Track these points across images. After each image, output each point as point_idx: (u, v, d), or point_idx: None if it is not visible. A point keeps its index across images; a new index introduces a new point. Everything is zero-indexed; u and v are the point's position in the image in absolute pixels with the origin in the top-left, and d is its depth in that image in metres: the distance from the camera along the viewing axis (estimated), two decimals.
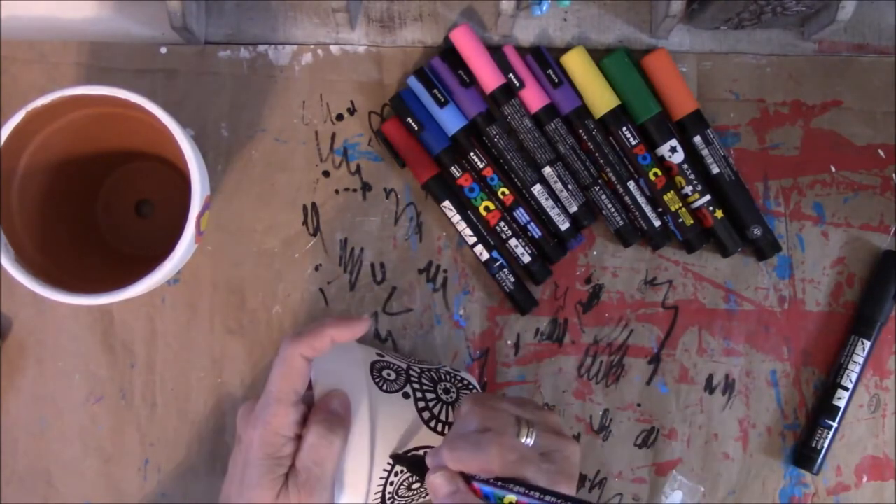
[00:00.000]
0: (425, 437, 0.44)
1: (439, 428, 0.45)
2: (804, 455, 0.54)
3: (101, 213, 0.54)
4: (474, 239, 0.53)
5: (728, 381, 0.55)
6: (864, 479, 0.55)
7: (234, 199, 0.55)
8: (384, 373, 0.45)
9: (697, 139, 0.54)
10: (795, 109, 0.56)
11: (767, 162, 0.56)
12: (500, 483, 0.37)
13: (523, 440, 0.39)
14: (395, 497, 0.45)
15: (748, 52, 0.56)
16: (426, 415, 0.44)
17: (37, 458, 0.54)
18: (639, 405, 0.55)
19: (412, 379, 0.46)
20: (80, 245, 0.52)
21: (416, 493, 0.45)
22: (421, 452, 0.44)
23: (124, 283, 0.45)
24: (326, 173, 0.55)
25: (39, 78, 0.54)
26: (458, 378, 0.48)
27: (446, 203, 0.53)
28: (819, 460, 0.54)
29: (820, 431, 0.54)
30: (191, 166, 0.45)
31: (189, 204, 0.45)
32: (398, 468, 0.43)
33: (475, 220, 0.54)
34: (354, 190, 0.55)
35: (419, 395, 0.45)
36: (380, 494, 0.43)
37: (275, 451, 0.41)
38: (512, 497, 0.37)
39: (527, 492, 0.36)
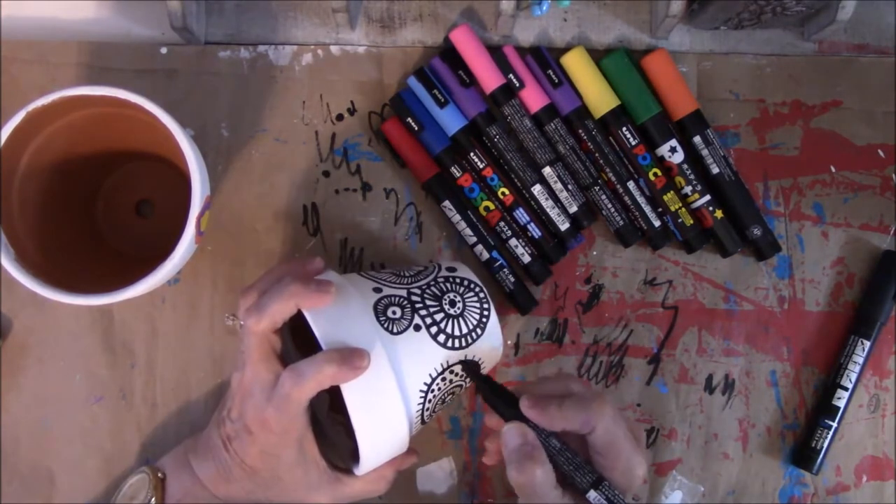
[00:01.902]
0: (444, 356, 0.45)
1: (455, 344, 0.45)
2: (804, 455, 0.54)
3: (101, 213, 0.54)
4: (474, 239, 0.53)
5: (728, 381, 0.55)
6: (864, 479, 0.55)
7: (234, 199, 0.55)
8: (389, 312, 0.45)
9: (697, 139, 0.54)
10: (795, 109, 0.56)
11: (767, 162, 0.56)
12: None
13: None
14: (432, 413, 0.46)
15: (748, 52, 0.56)
16: (441, 338, 0.45)
17: (38, 458, 0.54)
18: (639, 405, 0.55)
19: (416, 306, 0.46)
20: (80, 245, 0.52)
21: (446, 403, 0.47)
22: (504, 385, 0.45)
23: (124, 283, 0.45)
24: (326, 173, 0.55)
25: (39, 78, 0.54)
26: (458, 281, 0.48)
27: (446, 203, 0.53)
28: (819, 460, 0.54)
29: (820, 431, 0.54)
30: (191, 166, 0.46)
31: (189, 204, 0.46)
32: (430, 395, 0.45)
33: (475, 220, 0.54)
34: (354, 190, 0.55)
35: (428, 321, 0.45)
36: (418, 420, 0.45)
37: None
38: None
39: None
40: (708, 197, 0.54)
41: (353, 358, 0.42)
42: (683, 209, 0.54)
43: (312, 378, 0.41)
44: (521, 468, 0.41)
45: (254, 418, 0.44)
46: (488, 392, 0.44)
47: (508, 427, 0.43)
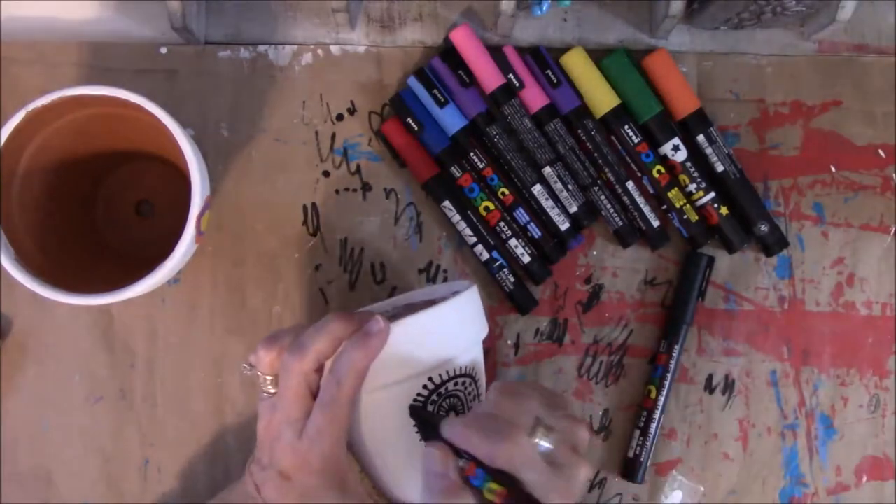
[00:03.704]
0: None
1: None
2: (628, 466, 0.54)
3: (101, 213, 0.54)
4: (474, 239, 0.53)
5: (728, 381, 0.55)
6: (864, 479, 0.55)
7: (234, 199, 0.55)
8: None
9: (701, 138, 0.54)
10: (795, 109, 0.56)
11: (767, 162, 0.56)
12: (492, 474, 0.38)
13: (536, 440, 0.39)
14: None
15: (748, 52, 0.56)
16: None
17: (37, 458, 0.54)
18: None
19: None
20: (80, 245, 0.52)
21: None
22: (440, 413, 0.43)
23: (124, 283, 0.45)
24: (326, 173, 0.55)
25: (39, 78, 0.54)
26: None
27: (446, 203, 0.53)
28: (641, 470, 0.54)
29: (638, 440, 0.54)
30: (191, 166, 0.46)
31: (189, 204, 0.45)
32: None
33: (475, 220, 0.54)
34: (354, 190, 0.55)
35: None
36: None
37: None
38: (495, 486, 0.37)
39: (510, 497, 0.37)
40: (713, 194, 0.54)
41: (367, 322, 0.40)
42: (688, 205, 0.54)
43: (317, 343, 0.40)
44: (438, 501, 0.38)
45: (290, 461, 0.41)
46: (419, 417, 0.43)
47: (432, 449, 0.39)
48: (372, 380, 0.42)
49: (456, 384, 0.44)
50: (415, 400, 0.43)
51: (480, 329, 0.46)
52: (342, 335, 0.41)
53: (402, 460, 0.44)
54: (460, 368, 0.44)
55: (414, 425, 0.43)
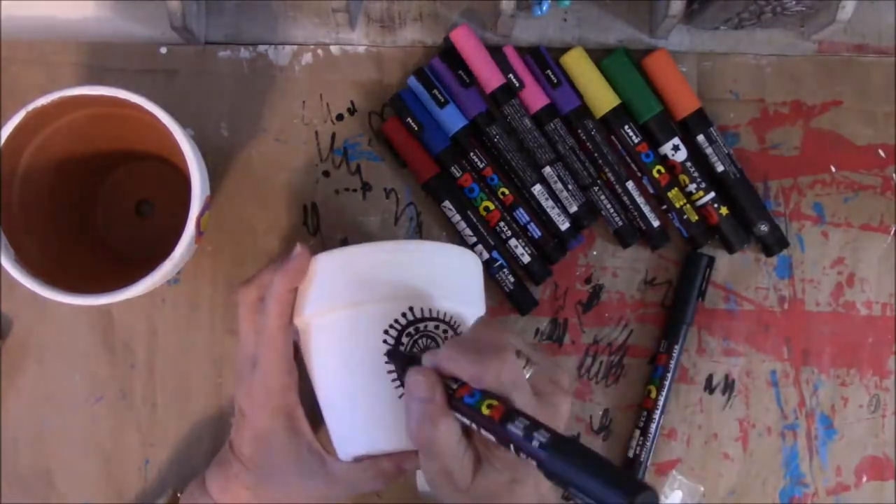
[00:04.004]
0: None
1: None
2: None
3: (101, 213, 0.54)
4: (474, 239, 0.53)
5: (728, 380, 0.55)
6: (864, 479, 0.55)
7: (234, 199, 0.55)
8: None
9: (700, 138, 0.54)
10: (795, 109, 0.56)
11: (767, 162, 0.56)
12: (483, 403, 0.37)
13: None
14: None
15: (748, 52, 0.56)
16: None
17: (37, 458, 0.54)
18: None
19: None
20: (80, 245, 0.52)
21: None
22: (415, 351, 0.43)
23: (124, 283, 0.45)
24: (326, 173, 0.55)
25: (39, 78, 0.54)
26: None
27: (446, 203, 0.53)
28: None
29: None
30: (191, 166, 0.46)
31: (189, 204, 0.46)
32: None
33: (475, 220, 0.54)
34: (354, 190, 0.55)
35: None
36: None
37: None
38: (492, 401, 0.36)
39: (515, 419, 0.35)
40: (713, 194, 0.54)
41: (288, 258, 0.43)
42: (688, 205, 0.54)
43: (258, 281, 0.43)
44: (420, 428, 0.37)
45: (243, 396, 0.44)
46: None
47: (416, 375, 0.38)
48: (329, 301, 0.43)
49: (437, 327, 0.43)
50: (391, 326, 0.42)
51: (472, 293, 0.46)
52: (284, 277, 0.43)
53: (366, 391, 0.43)
54: (443, 314, 0.44)
55: (387, 362, 0.42)
